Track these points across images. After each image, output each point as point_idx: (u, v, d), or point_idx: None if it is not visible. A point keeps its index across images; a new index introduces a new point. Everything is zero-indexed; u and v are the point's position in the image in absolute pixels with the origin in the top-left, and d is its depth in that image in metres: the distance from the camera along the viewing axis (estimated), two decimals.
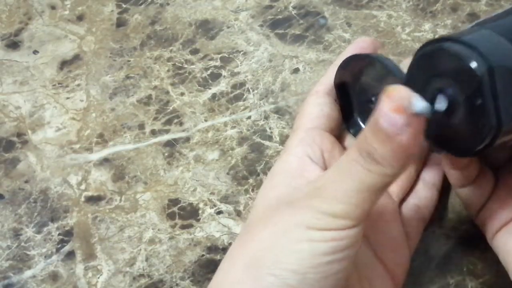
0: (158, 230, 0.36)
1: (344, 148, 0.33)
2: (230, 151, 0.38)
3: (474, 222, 0.32)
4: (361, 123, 0.33)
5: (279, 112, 0.40)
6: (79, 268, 0.36)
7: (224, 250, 0.35)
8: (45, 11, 0.44)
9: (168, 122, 0.39)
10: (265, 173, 0.37)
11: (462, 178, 0.30)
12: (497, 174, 0.32)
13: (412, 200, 0.33)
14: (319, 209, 0.25)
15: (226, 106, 0.39)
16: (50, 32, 0.43)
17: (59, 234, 0.37)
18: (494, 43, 0.25)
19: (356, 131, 0.33)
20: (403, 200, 0.33)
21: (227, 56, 0.41)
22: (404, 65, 0.28)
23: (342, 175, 0.25)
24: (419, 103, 0.22)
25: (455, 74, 0.25)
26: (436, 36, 0.31)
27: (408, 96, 0.22)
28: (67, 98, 0.41)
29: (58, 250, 0.36)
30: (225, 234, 0.36)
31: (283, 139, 0.38)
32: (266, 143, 0.39)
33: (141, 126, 0.39)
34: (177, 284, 0.35)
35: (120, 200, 0.37)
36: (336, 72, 0.32)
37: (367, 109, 0.32)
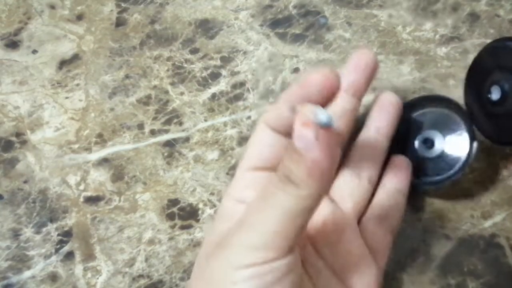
0: (158, 230, 0.36)
1: None
2: (230, 151, 0.38)
3: None
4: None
5: None
6: (78, 269, 0.36)
7: None
8: (45, 10, 0.44)
9: (168, 122, 0.39)
10: None
11: None
12: None
13: (373, 212, 0.31)
14: (242, 244, 0.24)
15: (226, 105, 0.39)
16: (49, 31, 0.43)
17: (58, 235, 0.37)
18: None
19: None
20: (364, 213, 0.31)
21: (227, 55, 0.41)
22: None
23: (262, 203, 0.24)
24: (323, 115, 0.23)
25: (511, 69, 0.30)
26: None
27: (312, 110, 0.23)
28: (66, 97, 0.41)
29: (57, 250, 0.36)
30: None
31: None
32: None
33: (141, 126, 0.39)
34: (176, 285, 0.35)
35: (119, 200, 0.37)
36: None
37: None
